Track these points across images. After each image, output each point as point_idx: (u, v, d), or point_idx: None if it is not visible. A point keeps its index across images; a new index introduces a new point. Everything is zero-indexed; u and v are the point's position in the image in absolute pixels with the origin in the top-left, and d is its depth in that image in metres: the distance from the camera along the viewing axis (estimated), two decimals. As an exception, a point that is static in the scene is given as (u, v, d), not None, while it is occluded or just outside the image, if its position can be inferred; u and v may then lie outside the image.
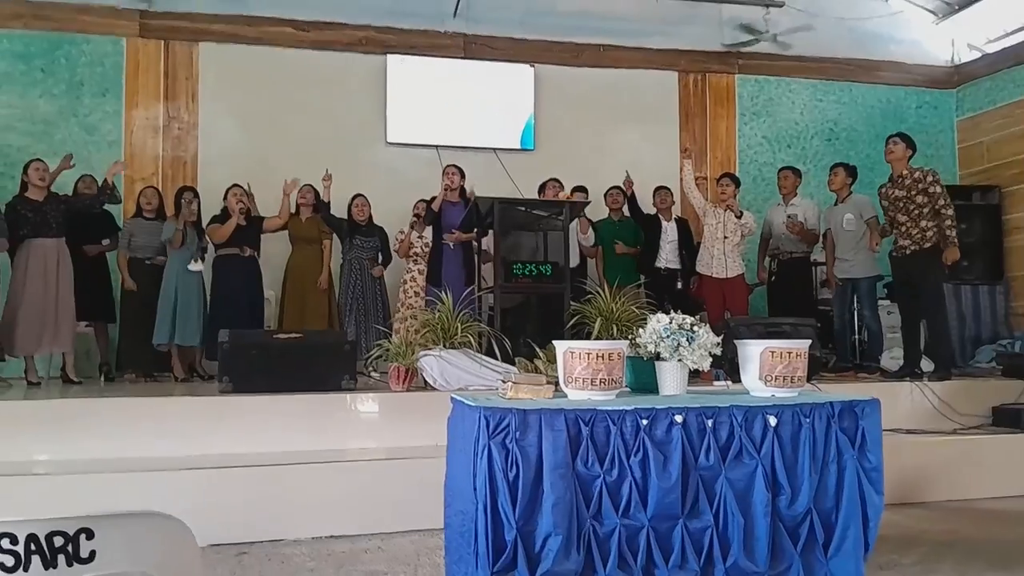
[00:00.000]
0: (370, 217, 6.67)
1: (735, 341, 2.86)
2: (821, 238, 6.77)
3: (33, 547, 1.18)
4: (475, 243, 6.28)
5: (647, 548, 2.42)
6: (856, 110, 8.91)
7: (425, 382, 4.99)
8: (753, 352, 2.71)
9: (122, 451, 4.24)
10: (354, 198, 6.63)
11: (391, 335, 5.62)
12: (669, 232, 6.88)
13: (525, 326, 5.66)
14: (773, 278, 6.96)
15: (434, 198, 6.46)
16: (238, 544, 3.69)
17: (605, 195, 7.18)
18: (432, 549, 3.56)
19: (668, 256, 6.84)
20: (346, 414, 4.70)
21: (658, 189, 7.07)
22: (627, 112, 8.25)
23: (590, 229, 6.85)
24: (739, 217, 6.37)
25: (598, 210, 7.15)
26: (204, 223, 6.30)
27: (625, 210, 7.12)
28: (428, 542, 3.68)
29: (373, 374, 5.97)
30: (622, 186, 7.04)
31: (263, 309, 6.38)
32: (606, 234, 7.04)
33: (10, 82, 7.07)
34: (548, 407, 2.40)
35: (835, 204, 6.53)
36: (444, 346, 5.03)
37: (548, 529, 2.33)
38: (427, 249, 6.60)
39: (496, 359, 4.98)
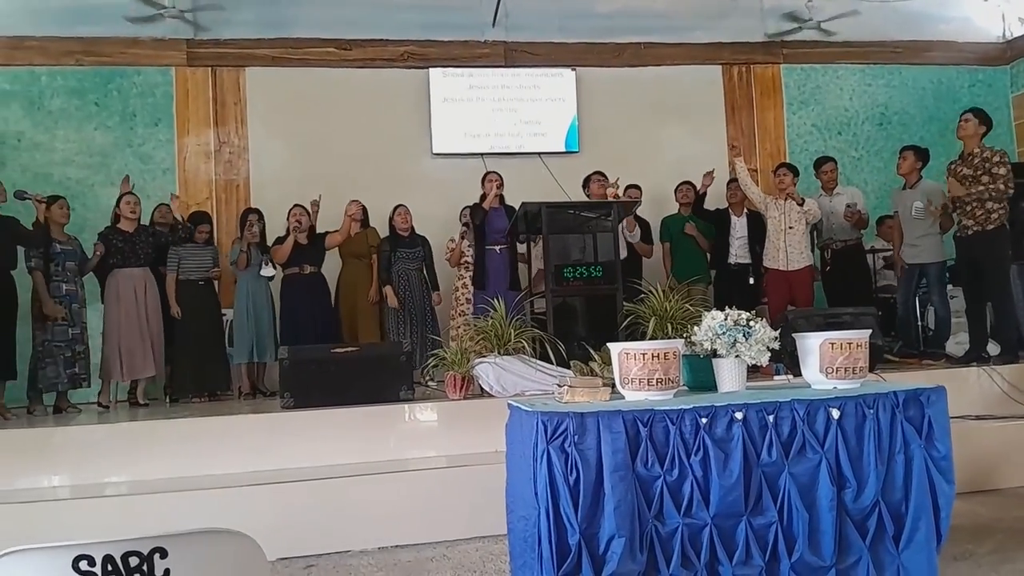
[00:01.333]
0: (412, 228, 6.72)
1: (793, 334, 2.81)
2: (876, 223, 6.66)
3: (110, 567, 1.22)
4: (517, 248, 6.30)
5: (710, 546, 2.40)
6: (907, 93, 8.69)
7: (482, 389, 5.00)
8: (812, 344, 2.66)
9: (190, 470, 4.35)
10: (395, 208, 6.69)
11: (443, 344, 5.66)
12: (739, 227, 6.82)
13: (578, 329, 5.64)
14: (828, 268, 6.82)
15: (478, 204, 6.48)
16: (305, 557, 3.74)
17: (676, 190, 7.14)
18: (497, 555, 3.57)
19: (738, 251, 6.78)
20: (405, 424, 4.74)
21: (730, 182, 7.00)
22: (672, 109, 8.20)
23: (636, 227, 6.80)
24: (801, 205, 6.27)
25: (647, 209, 7.11)
26: (269, 243, 6.47)
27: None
28: (492, 548, 3.69)
29: (430, 383, 6.02)
30: (694, 183, 7.01)
31: (332, 324, 6.48)
32: (675, 228, 6.98)
33: (67, 117, 7.34)
34: (605, 409, 2.39)
35: (903, 188, 6.36)
36: (499, 353, 5.04)
37: (611, 531, 2.32)
38: (475, 257, 6.62)
39: (551, 363, 4.97)
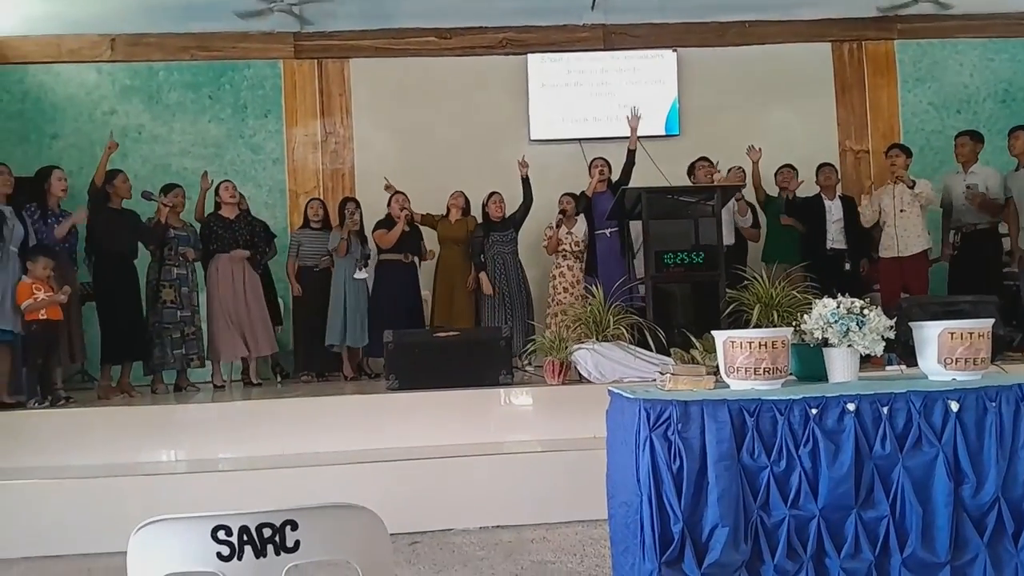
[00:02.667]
0: (504, 213, 6.75)
1: (909, 323, 2.70)
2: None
3: (245, 538, 1.30)
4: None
5: (818, 538, 2.35)
6: (1032, 67, 8.16)
7: (580, 375, 5.02)
8: (930, 334, 2.55)
9: (299, 448, 4.55)
10: (490, 196, 6.74)
11: (536, 328, 5.70)
12: (834, 211, 6.58)
13: (678, 316, 5.57)
14: (956, 252, 6.47)
15: (581, 193, 6.47)
16: (411, 533, 3.86)
17: (776, 173, 6.94)
18: (596, 540, 3.59)
19: (834, 236, 6.54)
20: (504, 408, 4.83)
21: (822, 166, 6.77)
22: (778, 89, 7.95)
23: (749, 211, 6.64)
24: (912, 187, 5.99)
25: (751, 193, 6.94)
26: (367, 231, 6.63)
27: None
28: (592, 532, 3.71)
29: (527, 368, 6.07)
30: (795, 166, 6.83)
31: (421, 309, 6.63)
32: (771, 212, 6.81)
33: (183, 110, 7.71)
34: (710, 398, 2.36)
35: (1016, 170, 6.00)
36: (597, 339, 5.04)
37: (714, 520, 2.30)
38: (576, 246, 6.62)
39: (650, 350, 4.93)
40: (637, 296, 5.62)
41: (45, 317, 4.99)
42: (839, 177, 6.84)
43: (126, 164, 6.65)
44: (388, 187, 6.62)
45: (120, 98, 7.65)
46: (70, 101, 7.60)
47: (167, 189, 6.00)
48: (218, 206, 6.24)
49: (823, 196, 6.65)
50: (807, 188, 6.87)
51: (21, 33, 7.46)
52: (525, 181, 6.65)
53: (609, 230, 6.34)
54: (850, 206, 6.59)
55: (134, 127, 7.64)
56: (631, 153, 6.45)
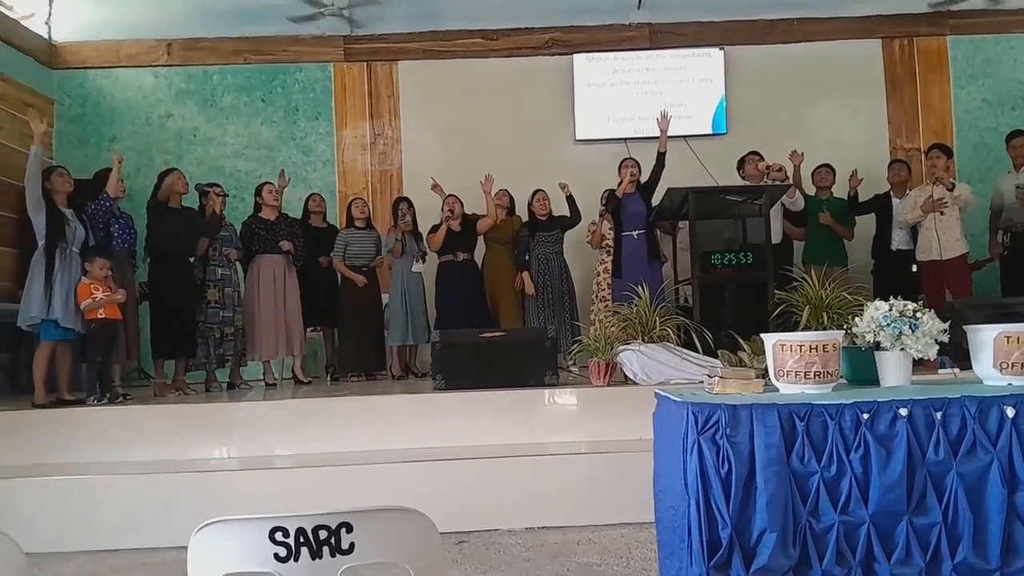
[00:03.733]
0: (551, 212, 6.77)
1: (964, 326, 2.65)
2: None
3: (302, 539, 1.34)
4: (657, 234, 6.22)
5: (867, 544, 2.32)
6: (1092, 63, 7.91)
7: (625, 376, 5.01)
8: (986, 338, 2.50)
9: (347, 446, 4.61)
10: (534, 194, 6.76)
11: (581, 328, 5.71)
12: (901, 210, 6.44)
13: (725, 317, 5.53)
14: (1006, 253, 6.32)
15: (612, 191, 6.45)
16: (457, 533, 3.88)
17: (813, 173, 6.86)
18: (643, 543, 3.59)
19: (900, 236, 6.41)
20: (550, 408, 4.83)
21: (892, 163, 6.65)
22: (827, 86, 7.85)
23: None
24: (951, 190, 5.86)
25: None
26: (419, 229, 6.71)
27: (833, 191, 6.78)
28: (638, 535, 3.71)
29: (572, 368, 6.07)
30: (832, 166, 6.71)
31: (485, 306, 6.65)
32: (810, 212, 6.72)
33: (236, 113, 7.89)
34: (759, 402, 2.35)
35: None
36: (643, 340, 5.02)
37: (763, 525, 2.29)
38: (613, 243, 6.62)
39: (697, 352, 4.90)
40: (670, 300, 5.58)
41: (104, 316, 5.14)
42: (909, 174, 6.69)
43: (181, 165, 6.84)
44: (435, 187, 6.68)
45: (176, 101, 7.86)
46: (128, 105, 7.83)
47: (210, 185, 6.09)
48: (258, 207, 6.33)
49: (892, 194, 6.52)
50: (869, 186, 6.76)
51: (81, 39, 7.72)
52: (570, 199, 6.67)
53: (636, 232, 6.28)
54: None
55: (189, 129, 7.84)
56: (660, 156, 6.35)
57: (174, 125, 7.82)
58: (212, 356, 5.99)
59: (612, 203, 6.40)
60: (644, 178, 6.40)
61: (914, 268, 6.26)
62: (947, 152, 6.14)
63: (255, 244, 6.19)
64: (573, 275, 6.84)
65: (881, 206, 6.56)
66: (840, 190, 6.87)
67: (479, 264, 6.83)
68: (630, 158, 6.59)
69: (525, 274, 6.60)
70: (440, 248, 6.58)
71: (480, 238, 6.82)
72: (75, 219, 5.27)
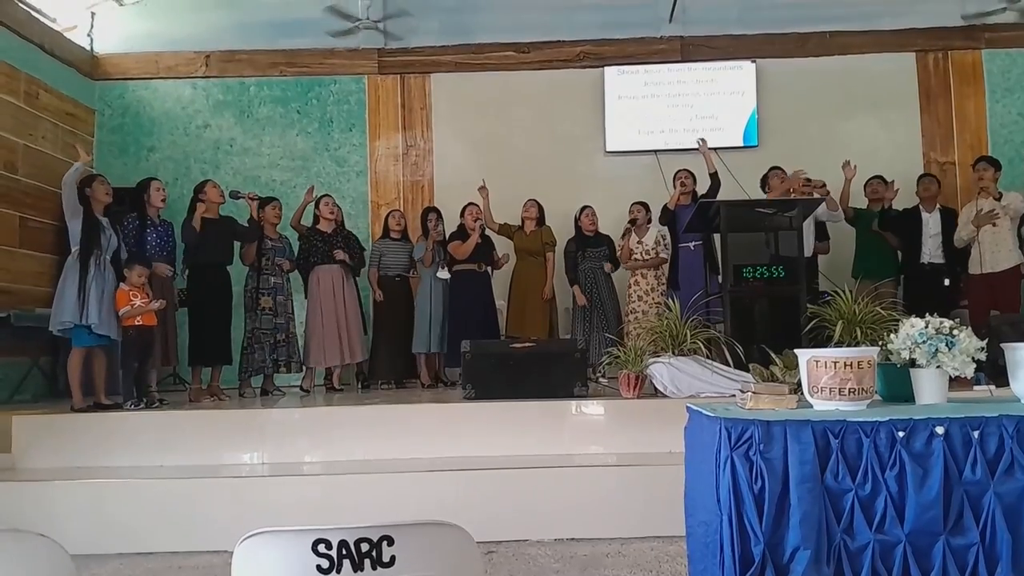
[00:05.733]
0: (597, 228, 6.82)
1: (1001, 344, 2.62)
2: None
3: (344, 551, 1.37)
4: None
5: (903, 563, 2.29)
6: None
7: (655, 389, 5.00)
8: (1023, 356, 2.48)
9: (378, 454, 4.65)
10: (583, 210, 6.81)
11: (619, 342, 5.70)
12: (931, 224, 6.38)
13: (756, 331, 5.49)
14: None
15: (664, 206, 6.45)
16: (486, 543, 3.89)
17: (865, 184, 6.81)
18: (673, 557, 3.58)
19: (931, 251, 6.35)
20: (579, 419, 4.83)
21: (922, 177, 6.60)
22: (860, 100, 7.80)
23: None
24: (998, 200, 5.79)
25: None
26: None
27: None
28: (668, 549, 3.70)
29: (602, 380, 6.08)
30: (884, 177, 6.71)
31: (495, 318, 6.72)
32: (862, 224, 6.68)
33: (272, 124, 8.01)
34: (793, 418, 2.34)
35: None
36: (673, 353, 5.01)
37: (796, 543, 2.27)
38: (647, 255, 6.62)
39: (728, 365, 4.88)
40: (715, 311, 5.57)
41: (141, 323, 5.24)
42: (939, 189, 6.63)
43: (218, 175, 6.96)
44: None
45: (213, 112, 8.00)
46: (167, 115, 7.98)
47: (265, 202, 6.22)
48: (317, 219, 6.47)
49: (921, 208, 6.46)
50: (904, 200, 6.71)
51: (122, 51, 7.89)
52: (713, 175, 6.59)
53: (693, 243, 6.28)
54: (949, 219, 6.39)
55: (226, 140, 7.97)
56: (714, 176, 6.38)
57: (211, 135, 7.95)
58: (267, 360, 6.13)
59: (666, 216, 6.40)
60: (699, 188, 6.43)
61: (947, 283, 6.19)
62: (995, 164, 6.08)
63: (313, 256, 6.31)
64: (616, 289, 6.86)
65: (911, 221, 6.48)
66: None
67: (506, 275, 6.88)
68: (684, 169, 6.60)
69: (576, 288, 6.65)
70: (465, 258, 6.61)
71: (513, 248, 6.85)
72: (110, 227, 5.38)
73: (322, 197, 6.55)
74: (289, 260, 6.31)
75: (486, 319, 6.59)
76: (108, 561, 3.93)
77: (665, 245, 6.64)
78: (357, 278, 6.53)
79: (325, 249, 6.32)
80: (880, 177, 6.74)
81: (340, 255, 6.30)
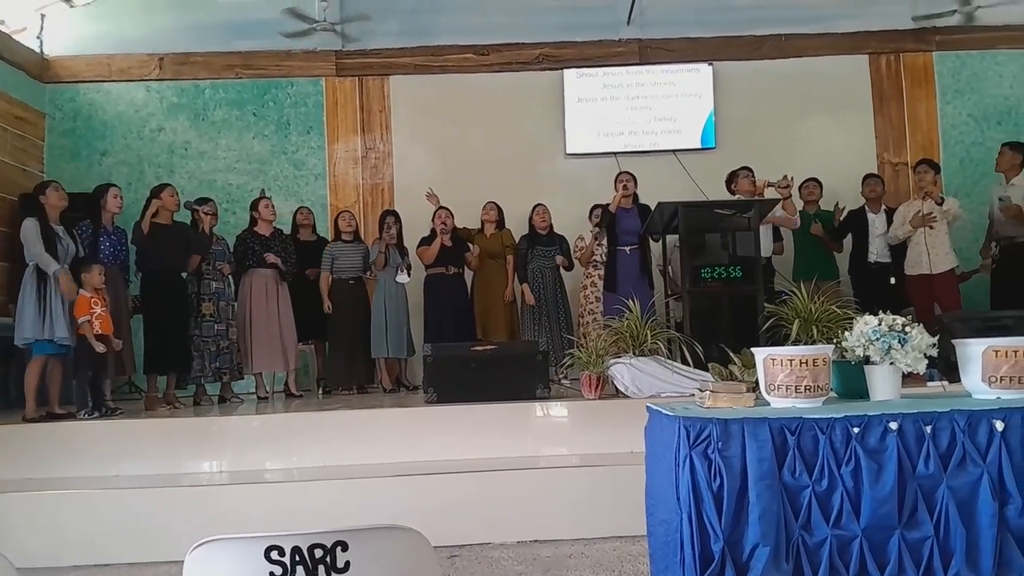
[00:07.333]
0: (551, 226, 6.81)
1: (953, 340, 2.68)
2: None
3: (297, 558, 1.35)
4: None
5: (860, 558, 2.33)
6: (1075, 78, 8.02)
7: (616, 389, 5.02)
8: (974, 352, 2.53)
9: (340, 459, 4.60)
10: (535, 208, 6.81)
11: (575, 342, 5.71)
12: (878, 224, 6.52)
13: (716, 331, 5.55)
14: (995, 265, 6.38)
15: (605, 206, 6.47)
16: (449, 547, 3.87)
17: (800, 187, 6.90)
18: (635, 556, 3.59)
19: (878, 250, 6.48)
20: (541, 421, 4.83)
21: (867, 178, 6.71)
22: (815, 101, 7.93)
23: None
24: (939, 204, 5.92)
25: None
26: (405, 243, 6.73)
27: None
28: (630, 549, 3.71)
29: (564, 382, 6.09)
30: (820, 180, 6.79)
31: (472, 319, 6.70)
32: (801, 226, 6.76)
33: (228, 127, 7.90)
34: (750, 416, 2.36)
35: None
36: (634, 353, 5.04)
37: (755, 539, 2.30)
38: (605, 257, 6.64)
39: (688, 365, 4.92)
40: (659, 315, 5.61)
41: (98, 332, 5.12)
42: (884, 189, 6.76)
43: (173, 179, 6.84)
44: (430, 196, 6.70)
45: (168, 115, 7.86)
46: (120, 119, 7.82)
47: (201, 202, 6.05)
48: (254, 222, 6.35)
49: (867, 208, 6.58)
50: (851, 201, 6.83)
51: (73, 53, 7.73)
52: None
53: (630, 247, 6.31)
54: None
55: (181, 143, 7.84)
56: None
57: (166, 139, 7.82)
58: (207, 369, 5.96)
59: (607, 217, 6.43)
60: (641, 193, 6.44)
61: (892, 281, 6.31)
62: (935, 167, 6.20)
63: (248, 258, 6.19)
64: (568, 286, 6.87)
65: (857, 221, 6.60)
66: (827, 203, 6.93)
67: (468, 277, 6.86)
68: (625, 172, 6.61)
69: (525, 286, 6.62)
70: (432, 262, 6.59)
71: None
72: (66, 235, 5.24)
73: (260, 199, 6.43)
74: (229, 263, 6.15)
75: (461, 322, 6.57)
76: (64, 574, 3.84)
77: (603, 247, 6.61)
78: (286, 280, 6.37)
79: (261, 252, 6.20)
80: (814, 179, 6.86)
81: (271, 258, 6.18)
